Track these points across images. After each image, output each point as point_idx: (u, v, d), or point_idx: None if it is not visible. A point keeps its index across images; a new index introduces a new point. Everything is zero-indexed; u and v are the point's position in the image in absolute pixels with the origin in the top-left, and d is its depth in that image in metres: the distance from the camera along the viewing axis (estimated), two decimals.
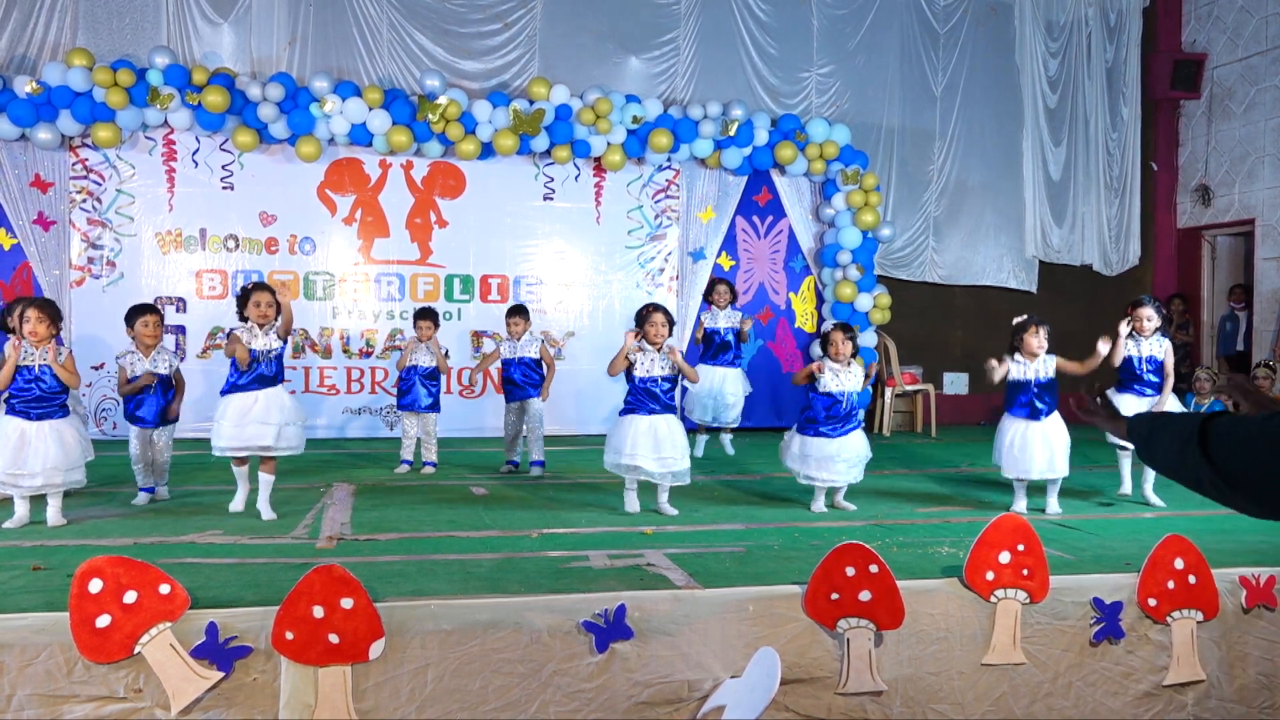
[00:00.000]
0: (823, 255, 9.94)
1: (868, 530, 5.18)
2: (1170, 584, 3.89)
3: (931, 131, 10.70)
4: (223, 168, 8.81)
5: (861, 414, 6.08)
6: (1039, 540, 3.83)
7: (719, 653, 3.48)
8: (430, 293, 9.23)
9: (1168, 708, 3.89)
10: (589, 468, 7.26)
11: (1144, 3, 11.55)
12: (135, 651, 3.09)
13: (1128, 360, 6.17)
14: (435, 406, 7.13)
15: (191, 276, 8.82)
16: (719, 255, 9.86)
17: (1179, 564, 3.91)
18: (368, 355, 9.15)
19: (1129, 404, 6.09)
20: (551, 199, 9.48)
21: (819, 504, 5.76)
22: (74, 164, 8.52)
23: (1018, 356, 5.81)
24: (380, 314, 9.19)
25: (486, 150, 8.98)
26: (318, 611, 3.15)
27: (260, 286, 5.57)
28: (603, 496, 6.08)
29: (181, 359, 6.13)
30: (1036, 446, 5.71)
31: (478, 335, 9.34)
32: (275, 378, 5.45)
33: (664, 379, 5.60)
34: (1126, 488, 6.31)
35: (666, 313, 5.71)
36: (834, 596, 3.58)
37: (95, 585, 3.09)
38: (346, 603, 3.18)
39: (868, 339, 9.56)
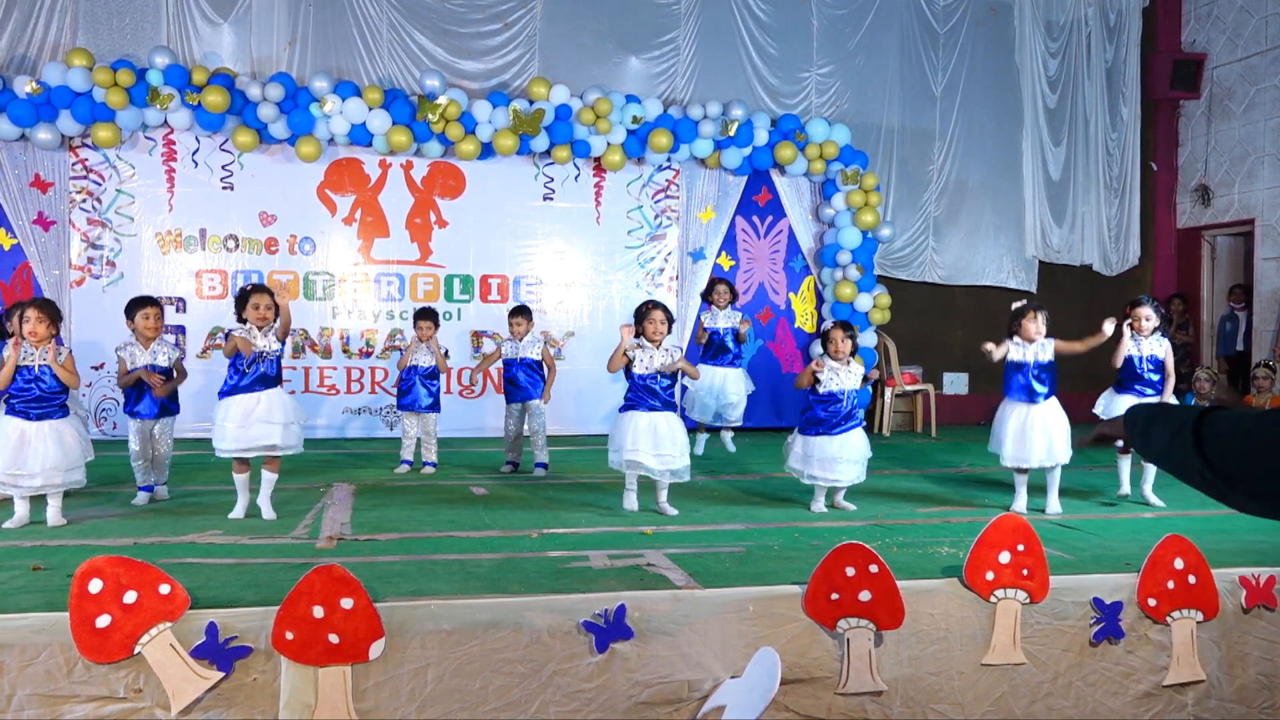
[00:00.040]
0: (823, 255, 9.94)
1: (868, 530, 5.18)
2: (1170, 584, 3.89)
3: (931, 131, 10.71)
4: (223, 168, 8.81)
5: (861, 413, 6.08)
6: (1039, 540, 3.83)
7: (719, 653, 3.48)
8: (430, 293, 9.23)
9: (1168, 708, 3.89)
10: (589, 468, 7.26)
11: (1144, 3, 11.55)
12: (135, 651, 3.09)
13: (1128, 360, 6.17)
14: (435, 406, 7.13)
15: (191, 276, 8.82)
16: (719, 255, 9.86)
17: (1179, 564, 3.91)
18: (368, 355, 9.15)
19: (1130, 405, 6.07)
20: (551, 199, 9.48)
21: (819, 504, 5.76)
22: (74, 164, 8.52)
23: (1016, 339, 5.84)
24: (380, 314, 9.19)
25: (486, 150, 8.98)
26: (318, 611, 3.15)
27: (259, 289, 5.55)
28: (603, 496, 6.08)
29: (181, 357, 6.11)
30: (1036, 433, 5.70)
31: (478, 335, 9.34)
32: (275, 379, 5.45)
33: (663, 375, 5.61)
34: (1125, 489, 6.31)
35: (666, 310, 5.71)
36: (834, 596, 3.58)
37: (95, 585, 3.09)
38: (346, 603, 3.18)
39: (868, 339, 9.57)
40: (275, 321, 5.45)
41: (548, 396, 7.11)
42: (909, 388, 10.32)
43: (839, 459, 5.66)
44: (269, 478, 5.40)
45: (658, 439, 5.52)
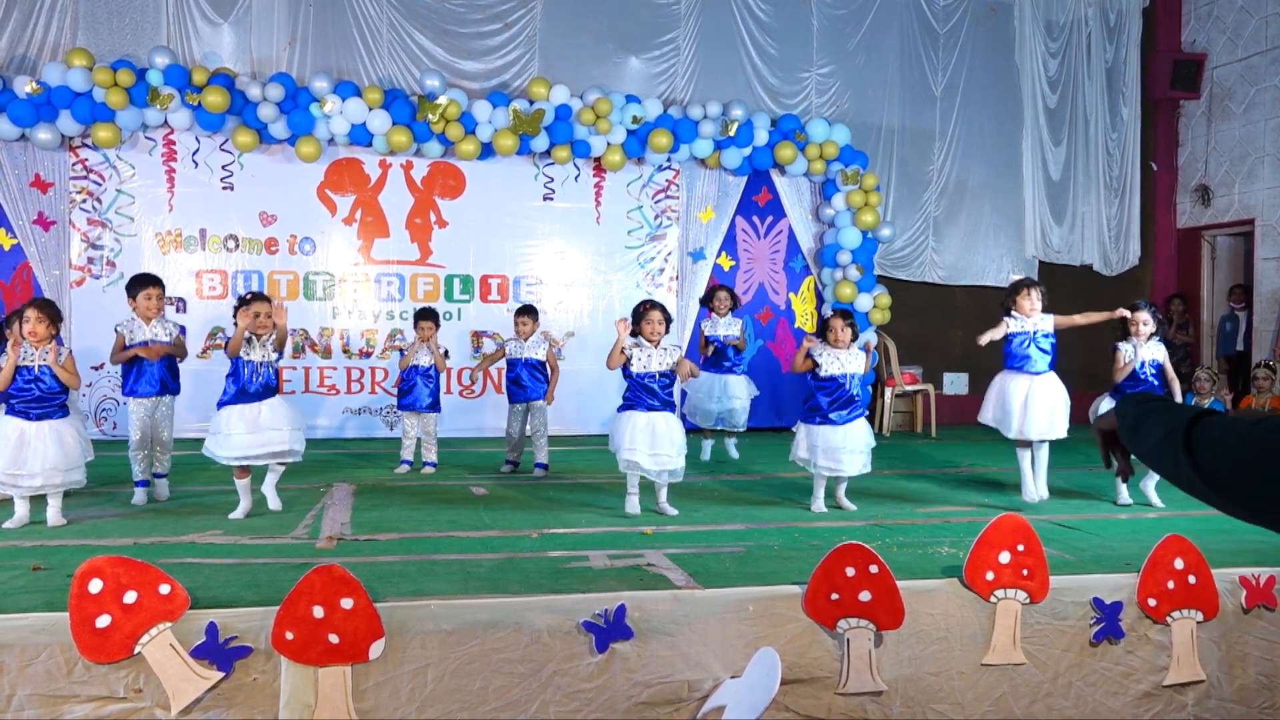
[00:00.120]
0: (823, 255, 9.94)
1: (868, 530, 5.18)
2: (1170, 584, 3.89)
3: (931, 131, 10.71)
4: (223, 168, 8.81)
5: (863, 404, 6.09)
6: (1039, 540, 3.84)
7: (719, 653, 3.48)
8: (430, 293, 9.23)
9: (1168, 708, 3.89)
10: (589, 468, 7.26)
11: (1144, 3, 11.55)
12: (135, 651, 3.09)
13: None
14: (435, 406, 7.13)
15: (191, 277, 8.82)
16: (719, 255, 9.87)
17: (1179, 564, 3.91)
18: (368, 355, 9.15)
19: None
20: (551, 199, 9.48)
21: (819, 504, 5.75)
22: (74, 164, 8.52)
23: (1014, 314, 5.85)
24: (380, 314, 9.19)
25: (486, 150, 8.98)
26: (318, 611, 3.15)
27: (258, 297, 5.54)
28: (603, 496, 6.08)
29: (183, 332, 6.08)
30: (1037, 404, 5.69)
31: (478, 335, 9.34)
32: (275, 388, 5.49)
33: (661, 375, 5.60)
34: (1124, 497, 6.22)
35: (663, 310, 5.71)
36: (834, 596, 3.58)
37: (95, 585, 3.09)
38: (346, 603, 3.18)
39: (868, 339, 9.56)
40: (273, 331, 5.45)
41: (551, 397, 7.11)
42: (909, 388, 10.32)
43: (843, 449, 5.65)
44: (275, 468, 5.49)
45: (655, 439, 5.51)
